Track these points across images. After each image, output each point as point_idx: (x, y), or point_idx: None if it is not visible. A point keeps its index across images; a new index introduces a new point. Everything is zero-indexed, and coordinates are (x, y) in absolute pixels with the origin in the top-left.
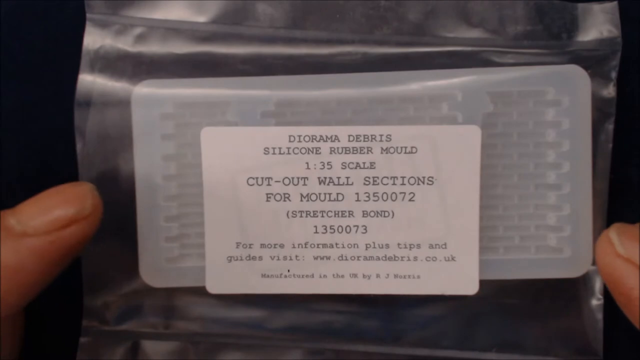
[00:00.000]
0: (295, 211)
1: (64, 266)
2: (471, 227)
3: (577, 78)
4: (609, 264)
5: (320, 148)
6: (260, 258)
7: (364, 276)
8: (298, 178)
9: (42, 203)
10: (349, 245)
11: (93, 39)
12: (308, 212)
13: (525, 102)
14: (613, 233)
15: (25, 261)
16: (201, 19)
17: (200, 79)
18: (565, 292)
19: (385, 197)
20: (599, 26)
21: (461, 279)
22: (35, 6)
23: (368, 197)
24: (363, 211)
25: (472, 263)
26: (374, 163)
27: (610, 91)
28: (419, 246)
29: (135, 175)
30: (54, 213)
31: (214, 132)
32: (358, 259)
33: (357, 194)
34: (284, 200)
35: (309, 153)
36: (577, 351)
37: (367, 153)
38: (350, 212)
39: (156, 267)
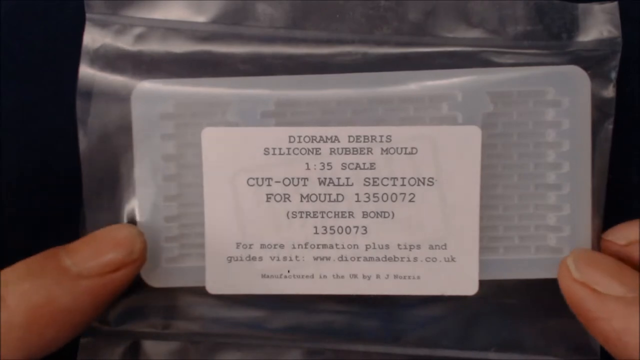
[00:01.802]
0: (295, 212)
1: (110, 304)
2: (471, 228)
3: (577, 78)
4: (568, 288)
5: (320, 148)
6: (260, 258)
7: (364, 277)
8: (298, 178)
9: (96, 246)
10: (349, 246)
11: (93, 39)
12: (308, 213)
13: (525, 103)
14: (570, 259)
15: (79, 302)
16: (201, 18)
17: (200, 79)
18: None
19: (385, 197)
20: (599, 26)
21: (461, 279)
22: (35, 6)
23: (368, 197)
24: (363, 212)
25: (472, 263)
26: (374, 164)
27: (610, 91)
28: (419, 247)
29: (135, 175)
30: (108, 256)
31: (215, 132)
32: (358, 260)
33: (357, 194)
34: (284, 201)
35: (309, 153)
36: (575, 351)
37: (367, 154)
38: (350, 213)
39: (156, 267)
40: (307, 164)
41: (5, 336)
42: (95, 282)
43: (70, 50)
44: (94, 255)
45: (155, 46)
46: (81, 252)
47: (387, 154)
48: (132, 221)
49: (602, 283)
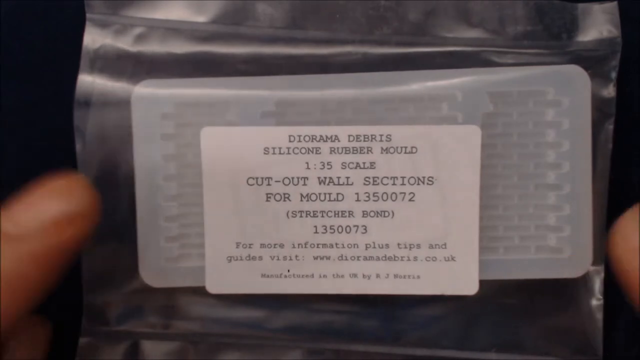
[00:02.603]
0: (295, 211)
1: (64, 269)
2: (471, 227)
3: (577, 78)
4: (622, 258)
5: (320, 148)
6: (260, 258)
7: (363, 276)
8: (298, 178)
9: (36, 201)
10: (349, 245)
11: (93, 39)
12: (308, 212)
13: (525, 102)
14: (629, 220)
15: (25, 269)
16: (201, 19)
17: (200, 79)
18: (565, 292)
19: (385, 197)
20: (599, 26)
21: (461, 279)
22: (35, 6)
23: (368, 197)
24: (363, 211)
25: (472, 263)
26: (374, 163)
27: (610, 91)
28: (418, 246)
29: (135, 175)
30: (49, 212)
31: (214, 132)
32: (358, 259)
33: (357, 194)
34: (284, 200)
35: (309, 153)
36: (576, 351)
37: (367, 153)
38: (350, 212)
39: (156, 267)
40: (307, 163)
41: None
42: (40, 244)
43: (70, 50)
44: (35, 214)
45: (155, 46)
46: (20, 211)
47: (387, 153)
48: (133, 221)
49: None
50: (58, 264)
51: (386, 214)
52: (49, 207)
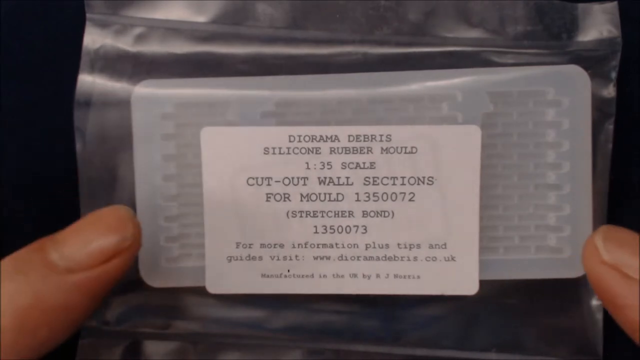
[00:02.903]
0: (295, 211)
1: (106, 297)
2: (471, 227)
3: (577, 78)
4: (594, 271)
5: (320, 148)
6: (260, 258)
7: (364, 276)
8: (298, 178)
9: (84, 234)
10: (349, 245)
11: (93, 39)
12: (308, 212)
13: (525, 102)
14: (598, 238)
15: (71, 299)
16: (201, 19)
17: (200, 79)
18: (565, 292)
19: (385, 197)
20: (599, 26)
21: (461, 279)
22: (35, 6)
23: (368, 197)
24: (363, 211)
25: (472, 263)
26: (374, 163)
27: (610, 91)
28: (419, 246)
29: (135, 175)
30: (97, 245)
31: (214, 132)
32: (358, 259)
33: (357, 194)
34: (284, 200)
35: (309, 153)
36: (577, 351)
37: (367, 153)
38: (350, 212)
39: (156, 267)
40: (307, 163)
41: None
42: (86, 276)
43: (70, 50)
44: (82, 246)
45: (155, 46)
46: (69, 242)
47: (387, 153)
48: None
49: (636, 267)
50: (102, 292)
51: (386, 214)
52: (97, 240)
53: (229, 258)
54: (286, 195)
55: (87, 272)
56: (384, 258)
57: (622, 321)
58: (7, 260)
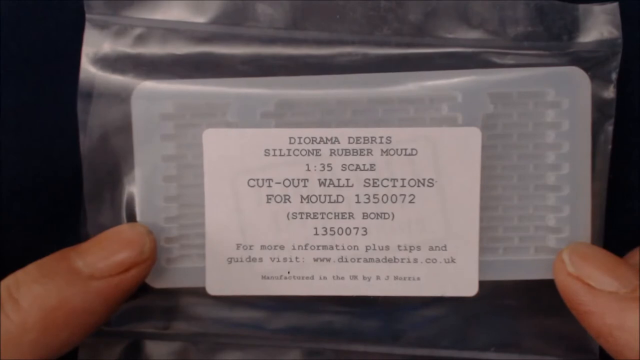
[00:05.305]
0: (296, 213)
1: (121, 304)
2: (471, 229)
3: (578, 79)
4: (562, 282)
5: (320, 150)
6: (261, 259)
7: (364, 278)
8: (298, 179)
9: (107, 246)
10: (349, 247)
11: (93, 40)
12: (308, 214)
13: (526, 103)
14: (565, 253)
15: (92, 303)
16: (201, 19)
17: (200, 80)
18: None
19: (385, 199)
20: (599, 27)
21: (461, 280)
22: (35, 6)
23: (368, 199)
24: (363, 213)
25: (471, 265)
26: (374, 165)
27: (610, 92)
28: (419, 248)
29: (135, 176)
30: (119, 257)
31: (216, 133)
32: (358, 261)
33: (357, 195)
34: (284, 202)
35: (309, 155)
36: (574, 351)
37: (367, 155)
38: (350, 214)
39: (156, 268)
40: (307, 165)
41: (19, 339)
42: (107, 283)
43: (70, 50)
44: (105, 256)
45: (155, 47)
46: (92, 253)
47: (387, 155)
48: (133, 221)
49: (596, 278)
50: (120, 299)
51: (386, 215)
52: (118, 251)
53: (229, 259)
54: (286, 197)
55: (108, 279)
56: (384, 260)
57: (586, 326)
58: (32, 266)
